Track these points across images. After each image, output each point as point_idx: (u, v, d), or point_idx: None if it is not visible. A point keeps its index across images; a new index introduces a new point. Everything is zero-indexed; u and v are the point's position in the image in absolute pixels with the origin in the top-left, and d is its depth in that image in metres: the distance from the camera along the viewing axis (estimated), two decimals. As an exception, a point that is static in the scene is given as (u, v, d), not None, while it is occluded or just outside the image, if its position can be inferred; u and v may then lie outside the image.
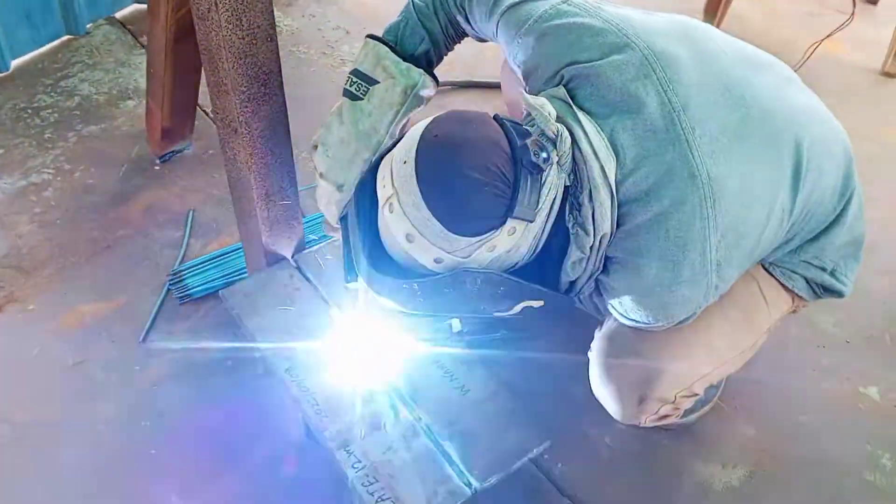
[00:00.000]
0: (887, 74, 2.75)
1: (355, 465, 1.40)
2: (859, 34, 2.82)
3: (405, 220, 1.14)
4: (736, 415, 1.69)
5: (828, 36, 2.65)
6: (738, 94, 1.23)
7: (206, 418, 1.64)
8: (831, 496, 1.56)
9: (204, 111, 2.36)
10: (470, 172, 1.10)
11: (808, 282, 1.45)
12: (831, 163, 1.32)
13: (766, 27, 2.97)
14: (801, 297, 1.47)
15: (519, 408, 1.51)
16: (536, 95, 1.20)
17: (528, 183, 1.12)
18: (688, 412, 1.59)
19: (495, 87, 2.49)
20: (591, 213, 1.18)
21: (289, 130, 1.56)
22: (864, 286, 1.86)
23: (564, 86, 1.23)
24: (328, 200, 1.44)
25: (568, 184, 1.18)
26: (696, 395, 1.41)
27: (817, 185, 1.28)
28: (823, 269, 1.43)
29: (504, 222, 1.13)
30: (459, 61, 2.51)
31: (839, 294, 1.47)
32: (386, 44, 1.39)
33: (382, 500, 1.36)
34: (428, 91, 1.39)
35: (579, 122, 1.18)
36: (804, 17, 3.04)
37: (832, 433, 1.67)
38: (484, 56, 2.66)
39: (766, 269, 1.43)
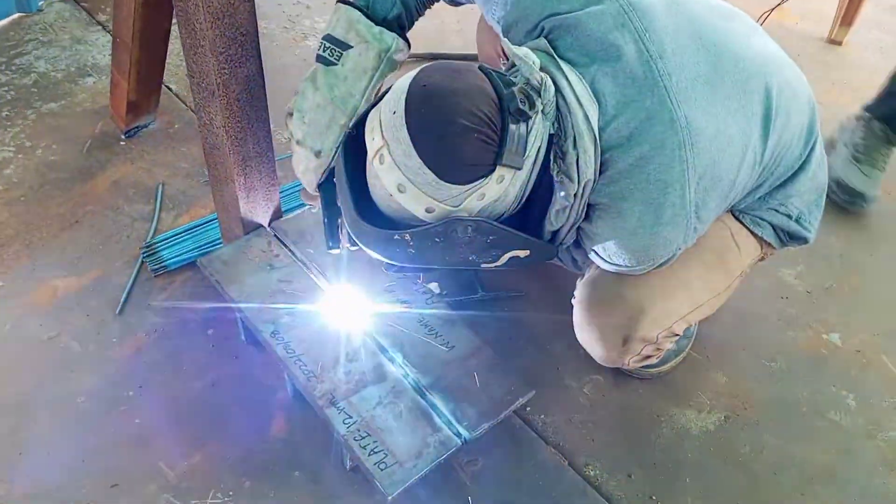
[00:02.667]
0: (833, 42, 2.86)
1: (346, 422, 1.42)
2: (806, 4, 2.93)
3: (396, 171, 1.15)
4: (708, 363, 1.75)
5: (777, 5, 2.73)
6: (710, 41, 1.27)
7: (190, 386, 1.63)
8: (800, 436, 1.63)
9: (167, 87, 2.33)
10: (460, 120, 1.12)
11: (774, 229, 1.51)
12: (797, 109, 1.37)
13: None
14: (769, 244, 1.53)
15: (501, 362, 1.54)
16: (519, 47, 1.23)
17: (516, 130, 1.14)
18: (663, 361, 1.64)
19: (462, 58, 2.52)
20: (575, 160, 1.21)
21: (265, 93, 1.56)
22: (822, 240, 1.94)
23: (545, 37, 1.26)
24: (306, 167, 1.44)
25: (552, 132, 1.21)
26: (677, 335, 1.46)
27: (785, 129, 1.34)
28: (789, 217, 1.49)
29: (493, 169, 1.15)
30: (422, 35, 2.52)
31: (804, 240, 1.54)
32: (358, 8, 1.39)
33: (374, 452, 1.38)
34: (401, 55, 1.41)
35: (562, 70, 1.21)
36: (754, -11, 3.13)
37: (799, 377, 1.74)
38: (447, 29, 2.68)
39: (736, 218, 1.49)
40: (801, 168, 1.44)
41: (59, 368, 1.65)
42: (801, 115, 1.38)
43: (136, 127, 2.19)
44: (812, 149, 1.44)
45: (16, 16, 2.57)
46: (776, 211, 1.48)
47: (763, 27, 2.62)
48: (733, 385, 1.71)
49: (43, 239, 1.91)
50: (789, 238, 1.53)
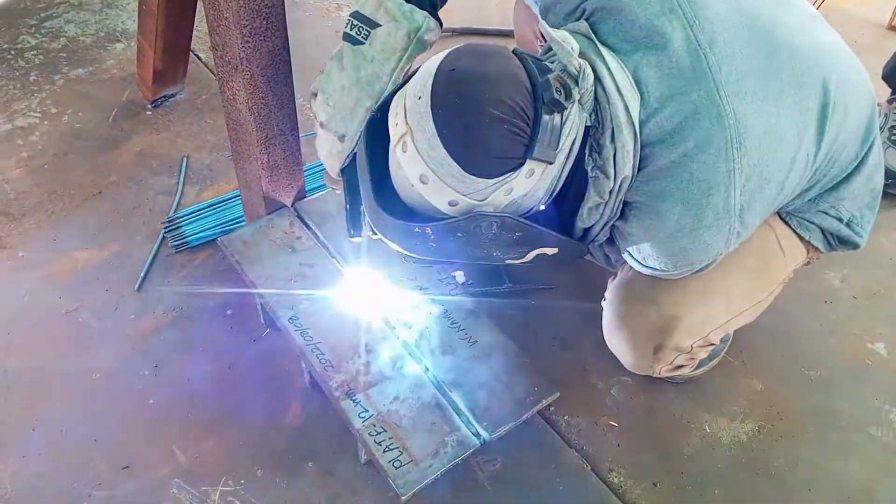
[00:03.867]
0: (893, 29, 2.71)
1: (362, 415, 1.37)
2: (867, -13, 2.77)
3: (419, 160, 1.09)
4: (744, 369, 1.67)
5: (837, -12, 2.59)
6: (765, 30, 1.17)
7: (206, 368, 1.60)
8: (839, 451, 1.54)
9: (197, 56, 2.28)
10: (489, 109, 1.04)
11: (823, 232, 1.41)
12: (857, 106, 1.27)
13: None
14: (815, 248, 1.43)
15: (526, 359, 1.48)
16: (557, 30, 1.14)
17: (549, 122, 1.07)
18: (697, 365, 1.56)
19: (499, 34, 2.43)
20: (612, 155, 1.13)
21: (290, 69, 1.50)
22: (871, 241, 1.82)
23: (586, 20, 1.17)
24: (329, 151, 1.38)
25: (589, 124, 1.13)
26: (713, 344, 1.38)
27: (842, 128, 1.24)
28: (840, 220, 1.39)
29: (523, 163, 1.08)
30: (459, 8, 2.43)
31: (854, 245, 1.44)
32: None
33: (390, 449, 1.33)
34: (432, 35, 1.33)
35: (602, 57, 1.12)
36: (811, -30, 2.97)
37: (840, 388, 1.65)
38: (485, 2, 2.58)
39: (782, 219, 1.39)
40: (857, 169, 1.33)
41: (76, 343, 1.63)
42: (860, 114, 1.28)
43: (163, 96, 2.14)
44: (869, 149, 1.33)
45: (48, -23, 2.54)
46: (826, 214, 1.38)
47: (819, 10, 2.50)
48: (769, 393, 1.63)
49: (65, 209, 1.89)
50: (839, 242, 1.43)
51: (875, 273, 1.88)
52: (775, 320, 1.72)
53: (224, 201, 1.90)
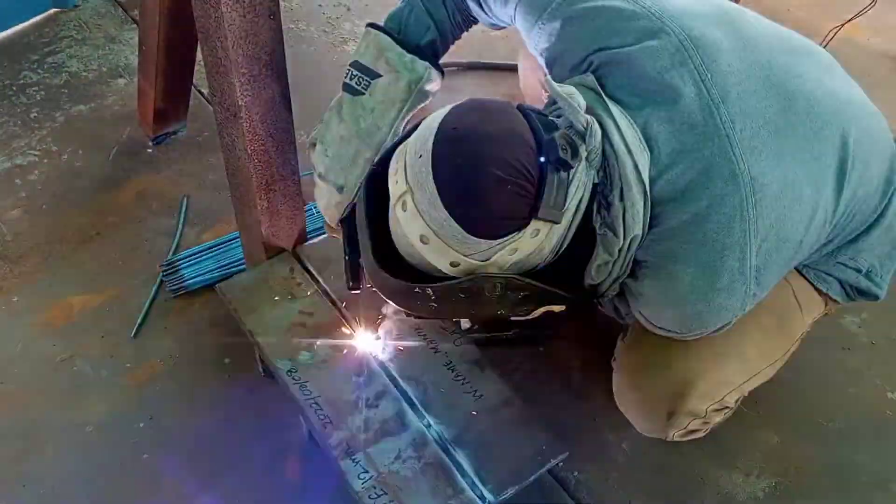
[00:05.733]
0: (908, 61, 2.65)
1: (361, 476, 1.32)
2: (881, 18, 2.71)
3: (419, 220, 1.04)
4: (759, 421, 1.60)
5: (849, 20, 2.54)
6: (780, 83, 1.13)
7: (202, 420, 1.55)
8: (859, 509, 1.49)
9: (199, 91, 2.25)
10: (492, 169, 1.00)
11: (842, 284, 1.36)
12: (876, 158, 1.22)
13: (783, 9, 2.86)
14: (833, 300, 1.38)
15: (534, 414, 1.43)
16: (563, 83, 1.10)
17: (555, 181, 1.02)
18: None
19: (505, 68, 2.39)
20: (621, 213, 1.08)
21: (291, 115, 1.46)
22: (891, 284, 1.77)
23: (593, 73, 1.13)
24: (328, 202, 1.36)
25: (597, 181, 1.08)
26: (728, 407, 1.33)
27: (862, 183, 1.19)
28: (859, 271, 1.34)
29: (528, 224, 1.03)
30: (467, 41, 2.40)
31: (874, 297, 1.39)
32: (388, 33, 1.29)
33: (390, 514, 1.28)
34: (433, 85, 1.31)
35: (610, 113, 1.08)
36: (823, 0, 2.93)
37: (860, 441, 1.58)
38: (493, 34, 2.55)
39: (799, 272, 1.34)
40: (877, 221, 1.28)
41: (68, 394, 1.59)
42: (880, 166, 1.23)
43: (165, 134, 2.11)
44: (890, 200, 1.28)
45: (51, 11, 2.52)
46: (845, 266, 1.33)
47: (831, 43, 2.45)
48: (786, 447, 1.57)
49: (62, 252, 1.85)
50: (857, 293, 1.38)
51: (895, 317, 1.82)
52: (791, 369, 1.64)
53: (224, 243, 1.86)
